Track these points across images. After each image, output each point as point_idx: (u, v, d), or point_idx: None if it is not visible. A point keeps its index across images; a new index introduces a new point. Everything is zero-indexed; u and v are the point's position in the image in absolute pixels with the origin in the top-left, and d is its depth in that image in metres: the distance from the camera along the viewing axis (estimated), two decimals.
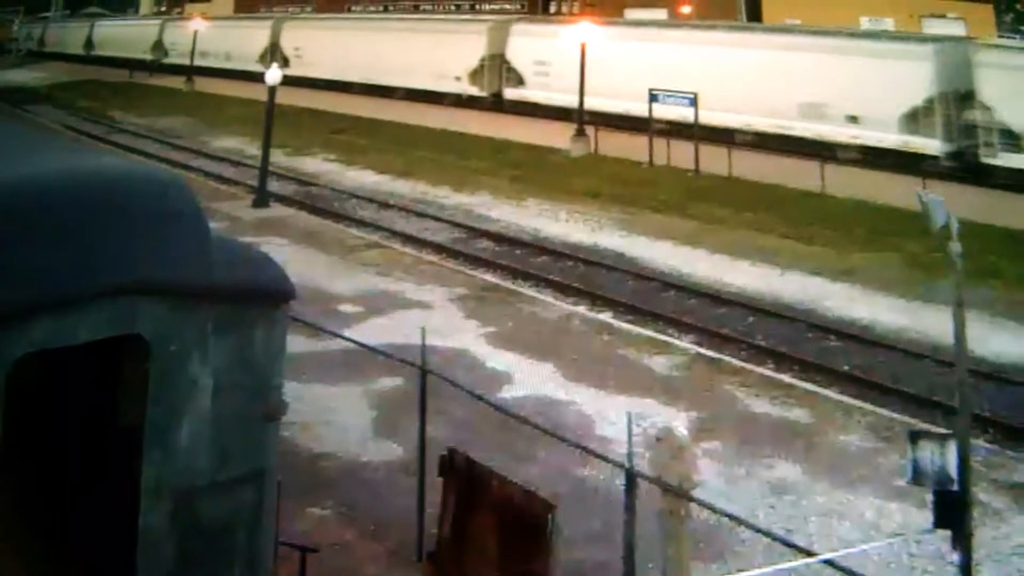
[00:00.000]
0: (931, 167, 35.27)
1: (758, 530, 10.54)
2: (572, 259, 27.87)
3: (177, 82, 70.63)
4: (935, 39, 39.86)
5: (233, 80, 66.02)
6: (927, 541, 11.67)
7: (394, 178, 39.74)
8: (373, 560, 12.41)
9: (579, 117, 43.47)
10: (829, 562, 9.53)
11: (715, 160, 37.70)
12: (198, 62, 71.48)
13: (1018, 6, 60.54)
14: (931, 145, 36.56)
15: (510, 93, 51.90)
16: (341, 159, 44.07)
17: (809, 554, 10.09)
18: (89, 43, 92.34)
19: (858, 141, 38.37)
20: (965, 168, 35.79)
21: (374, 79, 51.57)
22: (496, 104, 52.76)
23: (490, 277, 25.80)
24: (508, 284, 25.19)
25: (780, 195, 34.04)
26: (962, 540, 8.52)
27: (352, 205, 35.49)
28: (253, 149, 41.94)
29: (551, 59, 48.68)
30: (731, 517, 10.31)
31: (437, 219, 32.80)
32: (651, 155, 40.15)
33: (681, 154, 38.96)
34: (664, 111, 40.65)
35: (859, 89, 37.47)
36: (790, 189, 34.54)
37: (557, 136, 43.86)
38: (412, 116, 51.86)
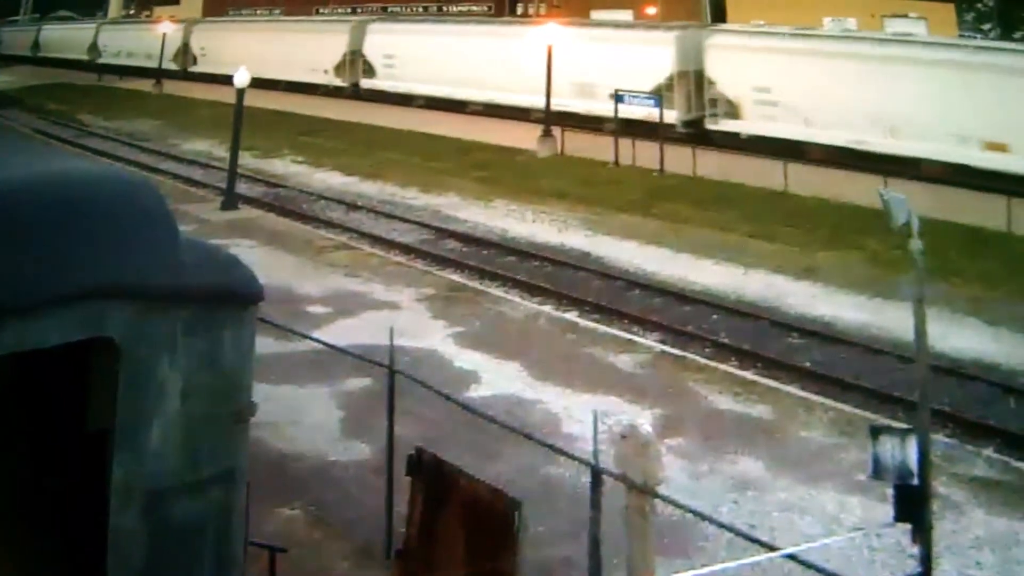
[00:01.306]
0: (671, 134, 40.98)
1: (721, 525, 10.71)
2: (539, 259, 27.98)
3: (146, 85, 70.35)
4: (678, 27, 45.92)
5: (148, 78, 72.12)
6: (888, 534, 11.78)
7: (362, 179, 39.71)
8: (342, 559, 12.49)
9: (546, 118, 43.53)
10: (791, 556, 9.67)
11: (680, 160, 37.88)
12: (117, 61, 79.65)
13: (979, 5, 60.93)
14: (671, 115, 42.24)
15: (365, 83, 58.57)
16: (309, 161, 43.98)
17: (772, 548, 10.20)
18: (36, 45, 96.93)
19: (611, 114, 42.25)
20: (697, 134, 42.19)
21: (261, 74, 52.47)
22: (355, 93, 59.15)
23: (457, 277, 25.89)
24: (475, 284, 25.27)
25: (744, 194, 34.19)
26: (922, 533, 8.64)
27: (320, 207, 35.45)
28: (222, 151, 41.73)
29: (397, 53, 56.13)
30: (695, 513, 10.46)
31: (405, 220, 32.81)
32: (616, 155, 40.26)
33: (646, 154, 39.11)
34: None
35: (619, 71, 42.87)
36: (754, 188, 34.69)
37: (524, 137, 43.94)
38: (380, 118, 51.84)
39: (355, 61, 59.52)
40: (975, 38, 45.12)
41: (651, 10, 63.32)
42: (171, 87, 68.54)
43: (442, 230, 31.44)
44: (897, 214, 8.68)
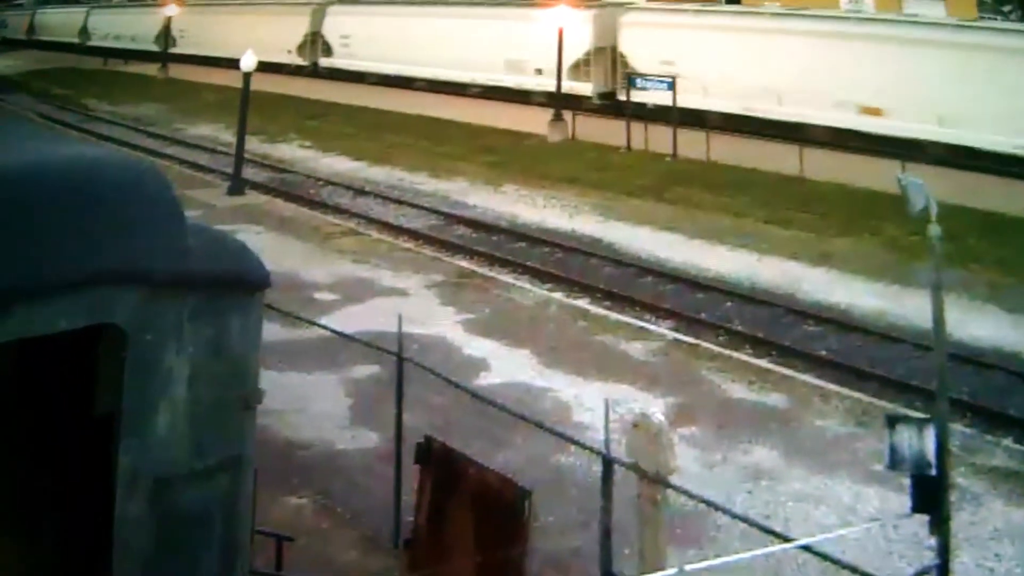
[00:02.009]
0: (588, 105, 45.33)
1: (735, 516, 10.58)
2: (549, 245, 27.84)
3: (152, 69, 70.31)
4: (596, 6, 48.51)
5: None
6: (905, 525, 11.70)
7: (370, 164, 39.59)
8: (350, 548, 12.42)
9: (557, 102, 43.47)
10: (806, 547, 9.56)
11: (693, 145, 37.67)
12: (105, 44, 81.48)
13: None
14: (586, 88, 46.51)
15: (323, 62, 61.69)
16: (316, 145, 43.87)
17: (786, 539, 10.10)
18: (32, 28, 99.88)
19: (542, 88, 46.98)
20: (611, 105, 45.33)
21: (234, 54, 56.43)
22: (314, 71, 62.19)
23: (467, 264, 25.78)
24: (485, 270, 25.17)
25: (758, 179, 33.99)
26: (940, 524, 8.52)
27: (328, 192, 35.38)
28: (228, 136, 41.77)
29: (352, 33, 59.42)
30: (708, 503, 10.32)
31: (414, 205, 32.70)
32: (628, 140, 40.09)
33: (659, 139, 38.93)
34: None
35: (542, 47, 45.30)
36: (768, 173, 34.48)
37: (535, 121, 43.78)
38: (387, 102, 51.76)
39: (315, 41, 62.57)
40: (995, 19, 44.78)
41: None
42: (176, 71, 68.37)
43: (451, 216, 31.33)
44: (915, 199, 8.53)
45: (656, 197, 32.63)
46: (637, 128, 39.86)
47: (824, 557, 8.86)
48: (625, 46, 45.65)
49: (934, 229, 8.51)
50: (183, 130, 49.02)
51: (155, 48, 74.46)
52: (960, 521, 12.32)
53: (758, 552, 10.07)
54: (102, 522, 7.59)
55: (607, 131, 40.88)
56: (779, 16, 42.28)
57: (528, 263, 25.96)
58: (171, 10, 69.44)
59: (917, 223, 8.85)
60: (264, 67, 57.64)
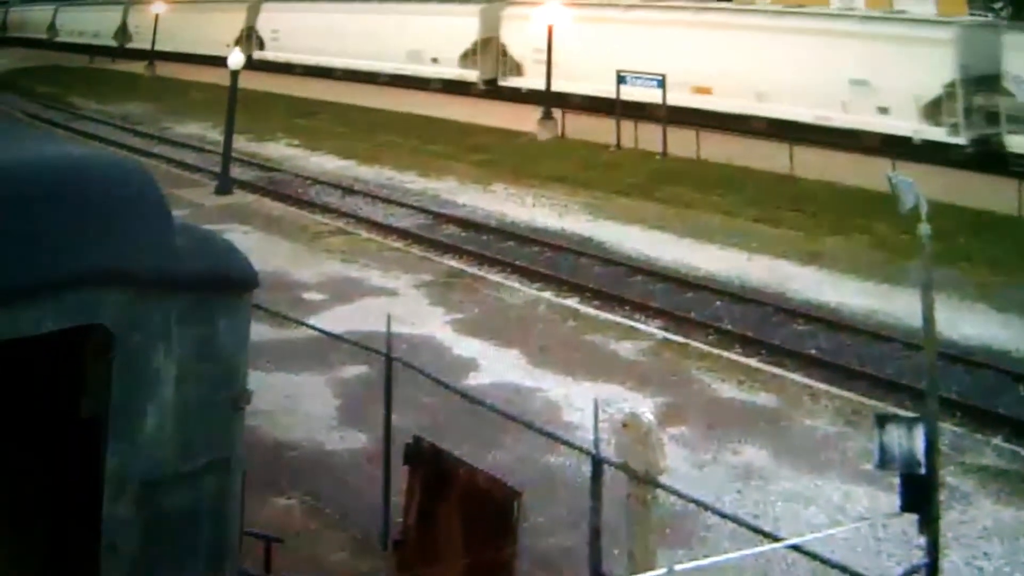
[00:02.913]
0: (475, 91, 52.01)
1: (724, 515, 10.56)
2: (539, 244, 27.82)
3: (139, 67, 70.22)
4: (483, 2, 53.26)
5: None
6: (894, 524, 11.70)
7: (359, 163, 39.53)
8: (339, 549, 12.36)
9: (546, 100, 43.50)
10: (795, 547, 9.55)
11: (683, 143, 37.68)
12: (71, 40, 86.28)
13: None
14: (473, 75, 52.75)
15: (256, 54, 63.66)
16: (305, 144, 43.81)
17: (775, 539, 10.09)
18: (3, 26, 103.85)
19: (438, 76, 54.01)
20: (494, 90, 51.45)
21: (181, 49, 68.31)
22: (248, 63, 64.95)
23: (456, 263, 25.74)
24: (474, 270, 25.12)
25: (748, 177, 34.03)
26: (929, 523, 8.51)
27: (316, 191, 35.31)
28: (215, 135, 41.70)
29: (281, 28, 64.87)
30: (697, 503, 10.31)
31: (403, 204, 32.67)
32: (619, 138, 40.14)
33: (649, 137, 38.95)
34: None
35: (438, 39, 52.86)
36: (758, 171, 34.50)
37: (524, 119, 43.77)
38: (376, 100, 51.79)
39: (250, 36, 66.83)
40: (985, 15, 45.00)
41: None
42: (164, 69, 68.49)
43: (440, 215, 31.30)
44: (906, 197, 8.52)
45: (646, 196, 32.65)
46: (626, 126, 39.87)
47: (813, 556, 8.84)
48: (505, 37, 51.10)
49: (924, 228, 8.50)
50: (170, 129, 48.91)
51: (113, 43, 79.98)
52: (949, 520, 12.31)
53: (747, 552, 10.06)
54: (90, 524, 7.56)
55: (597, 129, 40.89)
56: (628, 8, 47.30)
57: (517, 262, 25.93)
58: (159, 7, 70.29)
59: (907, 222, 8.83)
60: (210, 60, 62.34)
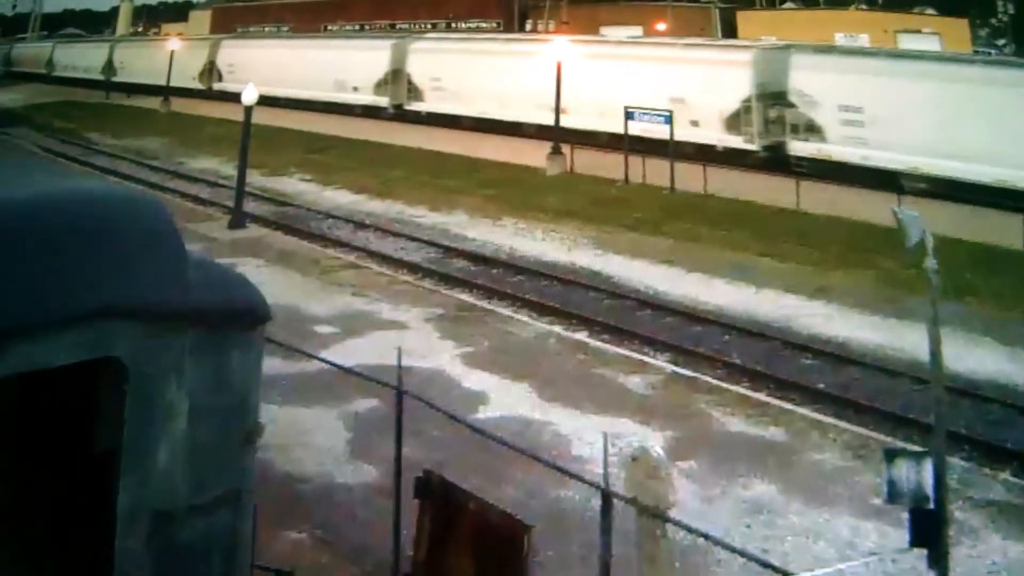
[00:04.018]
0: (385, 114, 58.87)
1: (733, 550, 10.53)
2: (548, 278, 27.92)
3: (154, 103, 70.78)
4: (394, 38, 63.58)
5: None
6: (903, 560, 11.64)
7: (370, 198, 39.78)
8: None
9: (555, 135, 43.74)
10: None
11: (690, 178, 37.84)
12: (66, 74, 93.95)
13: (993, 21, 60.96)
14: (383, 101, 59.91)
15: (216, 86, 73.19)
16: (317, 179, 44.08)
17: (785, 574, 10.06)
18: (8, 61, 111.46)
19: (357, 102, 61.18)
20: (400, 114, 58.60)
21: (157, 81, 73.46)
22: (210, 94, 72.98)
23: (466, 297, 25.83)
24: (484, 304, 25.22)
25: (755, 212, 34.17)
26: (938, 559, 8.53)
27: (328, 225, 35.49)
28: (229, 169, 41.97)
29: (235, 63, 71.15)
30: (707, 537, 10.29)
31: (413, 239, 32.82)
32: (627, 173, 40.32)
33: (657, 172, 39.10)
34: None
35: (356, 71, 61.00)
36: (765, 206, 34.65)
37: (533, 155, 43.96)
38: (387, 135, 52.13)
39: (212, 70, 75.67)
40: (990, 53, 46.24)
41: (661, 26, 63.88)
42: (179, 105, 69.38)
43: (450, 249, 31.44)
44: (911, 232, 8.58)
45: (654, 230, 32.74)
46: (635, 162, 40.03)
47: None
48: (410, 68, 59.04)
49: (930, 262, 8.55)
50: (185, 163, 49.22)
51: (101, 77, 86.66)
52: (958, 555, 12.29)
53: None
54: (102, 558, 7.58)
55: (605, 164, 41.10)
56: (491, 40, 59.93)
57: (527, 296, 26.03)
58: (174, 44, 75.31)
59: (913, 256, 8.88)
60: (179, 91, 72.57)
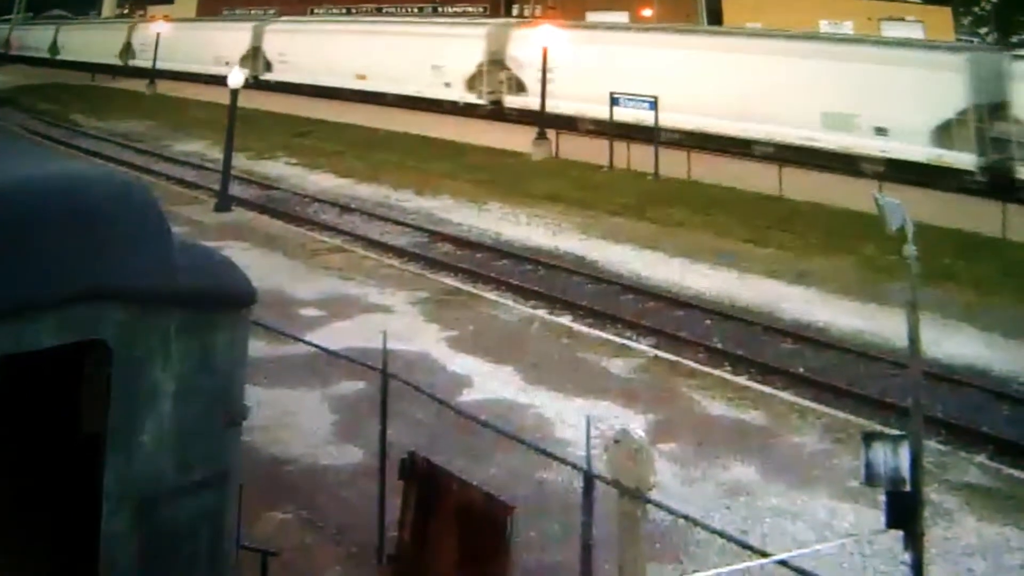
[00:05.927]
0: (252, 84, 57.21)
1: (713, 531, 10.70)
2: (532, 263, 27.99)
3: (140, 85, 70.47)
4: (256, 21, 71.29)
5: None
6: (880, 541, 11.81)
7: (356, 182, 39.73)
8: (334, 563, 12.47)
9: (540, 120, 43.78)
10: (783, 562, 9.65)
11: (674, 164, 37.94)
12: (38, 55, 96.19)
13: (976, 9, 61.10)
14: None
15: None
16: (303, 162, 44.00)
17: (763, 554, 10.20)
18: (6, 44, 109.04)
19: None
20: (263, 83, 64.71)
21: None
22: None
23: (451, 281, 25.87)
24: (469, 288, 25.27)
25: (738, 198, 34.28)
26: (914, 540, 8.64)
27: (314, 209, 35.47)
28: (215, 152, 41.84)
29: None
30: (687, 518, 10.44)
31: (399, 223, 32.83)
32: (611, 159, 40.40)
33: (641, 157, 39.19)
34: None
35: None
36: (748, 192, 34.77)
37: (519, 140, 43.98)
38: (374, 120, 52.06)
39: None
40: (971, 42, 46.51)
41: (647, 12, 63.83)
42: (164, 87, 69.05)
43: (436, 233, 31.45)
44: (892, 218, 8.67)
45: (638, 215, 32.82)
46: (619, 147, 40.11)
47: (800, 572, 8.93)
48: (265, 46, 67.96)
49: (910, 248, 8.65)
50: (170, 146, 49.07)
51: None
52: (934, 536, 12.47)
53: (736, 567, 10.22)
54: (89, 539, 7.65)
55: (590, 150, 41.15)
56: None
57: (511, 280, 26.09)
58: (160, 26, 73.74)
59: (894, 243, 8.98)
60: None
